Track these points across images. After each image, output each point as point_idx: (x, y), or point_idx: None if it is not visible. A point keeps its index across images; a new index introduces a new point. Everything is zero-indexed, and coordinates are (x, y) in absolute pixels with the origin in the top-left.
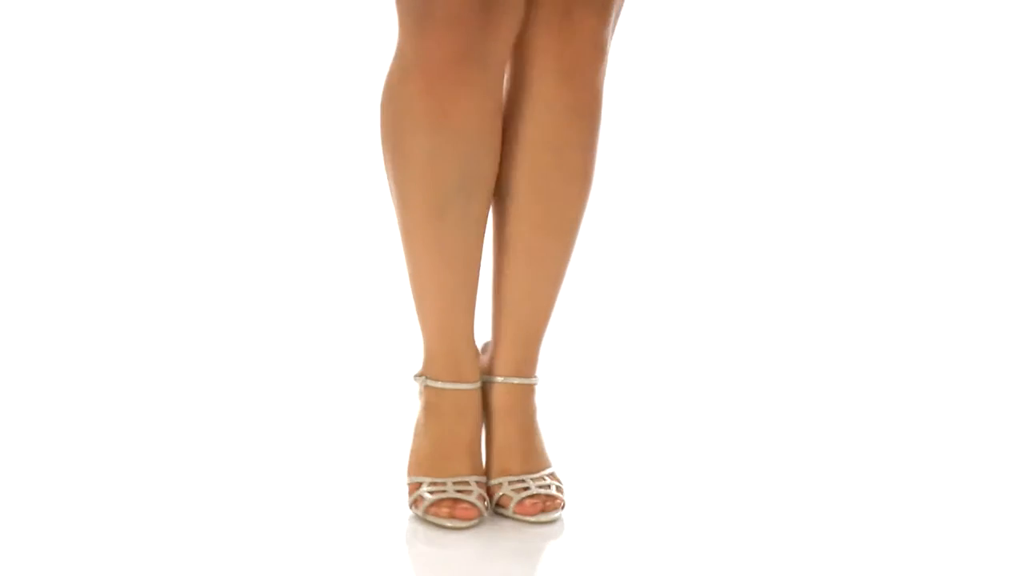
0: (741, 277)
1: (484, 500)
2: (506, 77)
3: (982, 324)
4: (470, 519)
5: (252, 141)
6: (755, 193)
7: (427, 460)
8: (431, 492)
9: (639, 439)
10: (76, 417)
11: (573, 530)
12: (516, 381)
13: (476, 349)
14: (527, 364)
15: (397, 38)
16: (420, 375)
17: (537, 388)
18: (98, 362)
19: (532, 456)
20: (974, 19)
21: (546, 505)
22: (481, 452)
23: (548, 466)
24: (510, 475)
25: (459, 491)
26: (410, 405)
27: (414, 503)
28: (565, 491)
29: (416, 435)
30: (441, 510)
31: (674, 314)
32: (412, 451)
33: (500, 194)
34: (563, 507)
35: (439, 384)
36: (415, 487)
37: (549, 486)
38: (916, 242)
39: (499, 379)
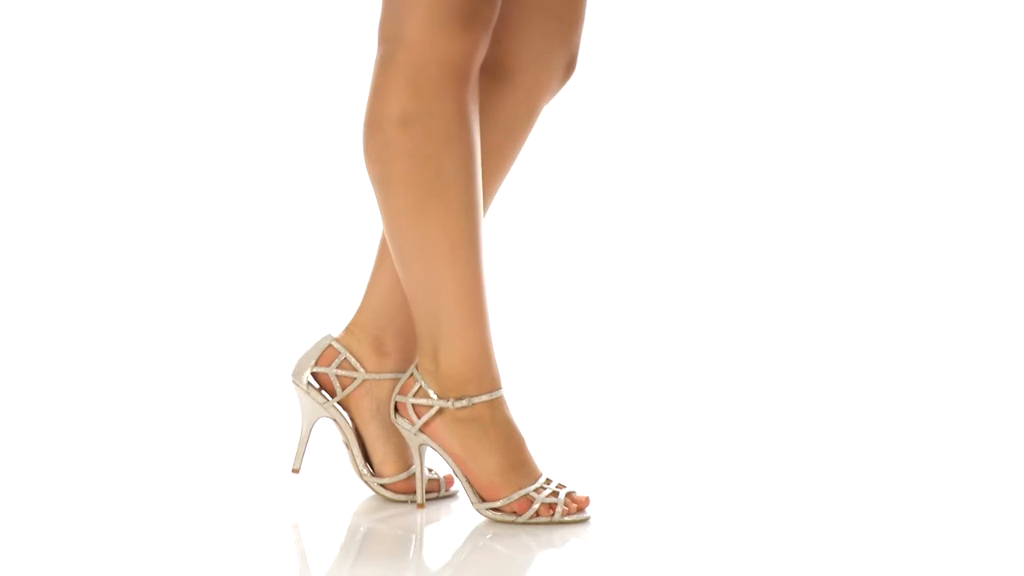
0: (733, 279)
1: None
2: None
3: (982, 324)
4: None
5: (251, 141)
6: (749, 195)
7: (513, 471)
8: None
9: (622, 443)
10: (60, 411)
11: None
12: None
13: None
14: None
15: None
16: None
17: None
18: (94, 359)
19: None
20: (974, 19)
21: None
22: None
23: None
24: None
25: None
26: None
27: (535, 514)
28: None
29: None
30: (572, 507)
31: (660, 316)
32: (486, 472)
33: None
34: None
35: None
36: (524, 501)
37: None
38: (916, 242)
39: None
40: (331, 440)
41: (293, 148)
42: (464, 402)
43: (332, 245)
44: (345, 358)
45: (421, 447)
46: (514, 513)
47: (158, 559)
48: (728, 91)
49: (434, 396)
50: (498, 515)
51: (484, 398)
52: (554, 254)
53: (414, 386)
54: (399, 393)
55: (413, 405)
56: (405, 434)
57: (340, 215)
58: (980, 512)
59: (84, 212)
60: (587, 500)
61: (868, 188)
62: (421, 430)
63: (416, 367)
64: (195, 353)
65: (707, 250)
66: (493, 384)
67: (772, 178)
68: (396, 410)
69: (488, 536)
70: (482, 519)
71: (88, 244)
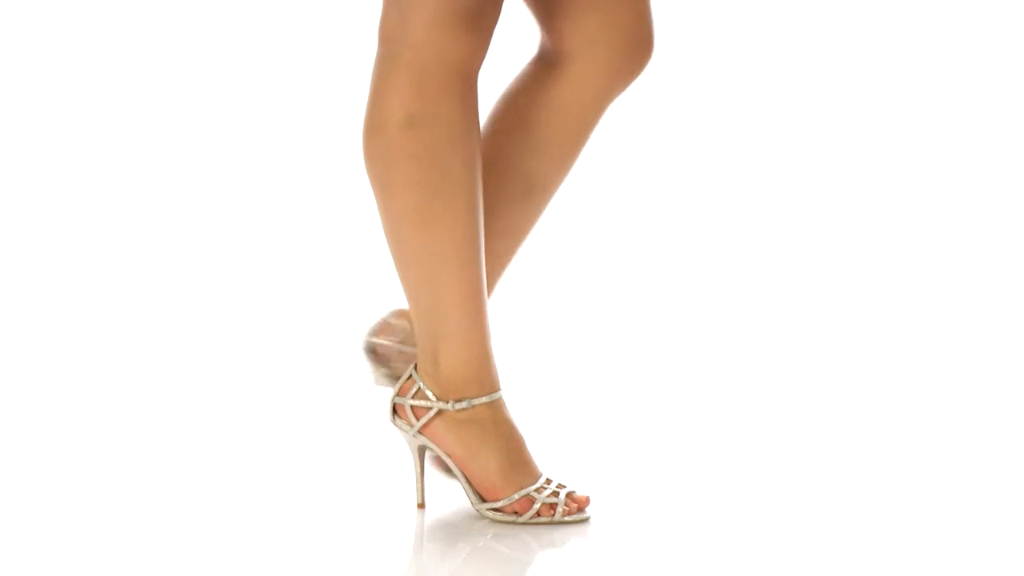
0: (732, 280)
1: None
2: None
3: (982, 324)
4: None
5: (249, 141)
6: (746, 196)
7: (514, 471)
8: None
9: (622, 443)
10: (65, 417)
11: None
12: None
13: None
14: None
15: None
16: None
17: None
18: (94, 362)
19: None
20: (974, 19)
21: None
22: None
23: None
24: None
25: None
26: None
27: (536, 514)
28: None
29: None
30: (572, 507)
31: (660, 316)
32: (487, 472)
33: None
34: None
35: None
36: (525, 501)
37: None
38: (916, 242)
39: None
40: (329, 442)
41: (300, 146)
42: (464, 404)
43: (349, 245)
44: (419, 388)
45: (420, 448)
46: (515, 513)
47: (160, 558)
48: (725, 94)
49: (433, 398)
50: (499, 515)
51: (484, 400)
52: (553, 254)
53: (412, 388)
54: (397, 395)
55: (412, 407)
56: (404, 436)
57: (350, 213)
58: (980, 512)
59: (96, 214)
60: (587, 500)
61: (870, 190)
62: (420, 431)
63: (415, 368)
64: (200, 350)
65: (706, 250)
66: (493, 385)
67: (769, 180)
68: (395, 412)
69: (488, 536)
70: (482, 519)
71: (100, 245)
